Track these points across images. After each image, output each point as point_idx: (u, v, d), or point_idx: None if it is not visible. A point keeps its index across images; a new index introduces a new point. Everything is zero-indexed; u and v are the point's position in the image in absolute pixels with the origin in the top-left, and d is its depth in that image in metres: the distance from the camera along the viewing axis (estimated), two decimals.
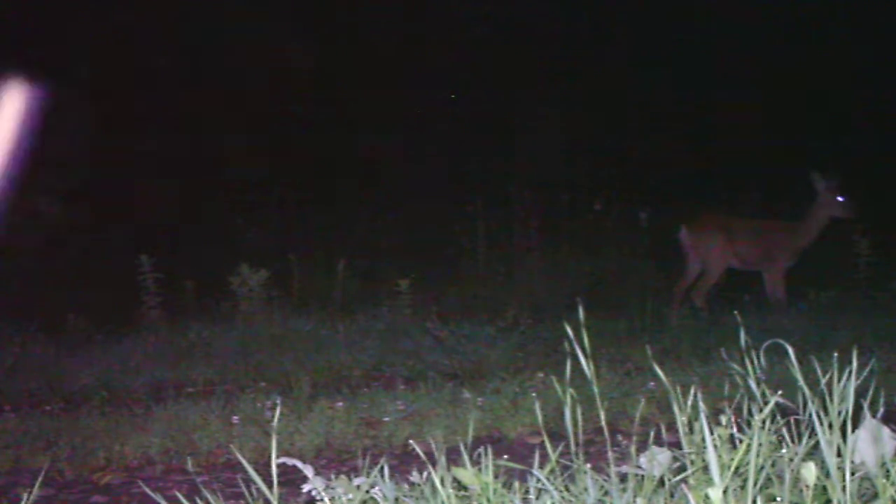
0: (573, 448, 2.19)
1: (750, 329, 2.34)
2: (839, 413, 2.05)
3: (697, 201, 9.52)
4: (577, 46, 10.95)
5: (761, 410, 2.12)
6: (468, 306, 7.73)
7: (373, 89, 10.97)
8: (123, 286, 7.37)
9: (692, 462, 2.12)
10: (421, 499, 2.24)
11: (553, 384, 2.40)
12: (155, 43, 10.49)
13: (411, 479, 2.30)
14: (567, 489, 2.20)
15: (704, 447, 2.06)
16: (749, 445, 2.05)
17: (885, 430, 2.02)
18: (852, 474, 2.00)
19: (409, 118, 10.95)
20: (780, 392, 2.15)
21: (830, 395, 2.07)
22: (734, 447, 2.10)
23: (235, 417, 4.59)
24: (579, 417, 2.21)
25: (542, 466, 2.20)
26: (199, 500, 2.41)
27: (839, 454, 2.02)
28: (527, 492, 2.21)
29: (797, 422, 2.12)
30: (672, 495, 2.12)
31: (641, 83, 10.91)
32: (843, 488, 2.00)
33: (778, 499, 2.04)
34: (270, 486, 2.20)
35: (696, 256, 7.87)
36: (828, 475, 2.01)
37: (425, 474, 2.25)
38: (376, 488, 2.27)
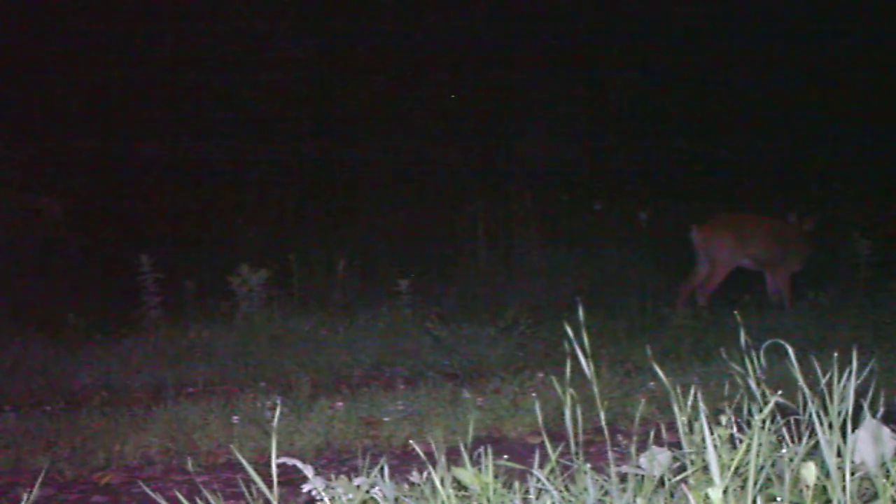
0: (573, 448, 2.19)
1: (750, 329, 2.34)
2: (839, 413, 2.05)
3: (698, 201, 9.53)
4: (576, 46, 10.95)
5: (761, 410, 2.12)
6: (468, 306, 7.72)
7: (373, 89, 10.98)
8: (123, 286, 7.36)
9: (692, 462, 2.12)
10: (421, 499, 2.24)
11: (553, 384, 2.40)
12: (155, 43, 10.49)
13: (411, 479, 2.30)
14: (567, 489, 2.20)
15: (704, 447, 2.06)
16: (749, 445, 2.05)
17: (885, 430, 2.02)
18: (852, 474, 2.00)
19: (410, 118, 10.95)
20: (780, 392, 2.15)
21: (830, 395, 2.07)
22: (734, 447, 2.10)
23: (235, 417, 4.58)
24: (579, 417, 2.21)
25: (542, 466, 2.20)
26: (199, 500, 2.41)
27: (839, 454, 2.02)
28: (527, 492, 2.21)
29: (797, 422, 2.12)
30: (672, 495, 2.12)
31: (641, 83, 10.91)
32: (843, 488, 2.00)
33: (778, 499, 2.04)
34: (270, 486, 2.20)
35: (706, 257, 7.85)
36: (828, 475, 2.01)
37: (425, 474, 2.25)
38: (376, 488, 2.27)
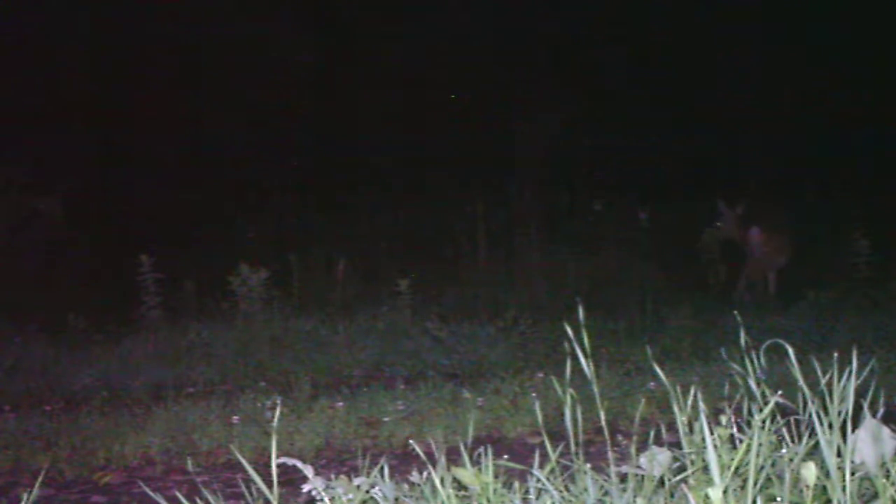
0: (573, 448, 2.19)
1: (750, 329, 2.34)
2: (839, 413, 2.05)
3: (697, 200, 9.53)
4: (576, 45, 10.95)
5: (761, 410, 2.12)
6: (468, 306, 7.72)
7: (373, 89, 10.98)
8: (123, 286, 7.36)
9: (692, 462, 2.12)
10: (421, 499, 2.24)
11: (553, 384, 2.40)
12: (156, 42, 10.49)
13: (411, 479, 2.30)
14: (567, 489, 2.20)
15: (704, 447, 2.06)
16: (749, 445, 2.05)
17: (885, 430, 2.02)
18: (852, 474, 2.00)
19: (409, 118, 10.95)
20: (780, 392, 2.15)
21: (830, 395, 2.07)
22: (734, 447, 2.10)
23: (235, 417, 4.59)
24: (579, 417, 2.21)
25: (542, 466, 2.20)
26: (199, 500, 2.41)
27: (839, 454, 2.02)
28: (527, 492, 2.21)
29: (797, 422, 2.12)
30: (672, 495, 2.12)
31: (641, 82, 10.91)
32: (843, 488, 2.00)
33: (778, 499, 2.04)
34: (270, 486, 2.20)
35: (756, 255, 8.20)
36: (828, 475, 2.01)
37: (425, 474, 2.25)
38: (376, 488, 2.27)
